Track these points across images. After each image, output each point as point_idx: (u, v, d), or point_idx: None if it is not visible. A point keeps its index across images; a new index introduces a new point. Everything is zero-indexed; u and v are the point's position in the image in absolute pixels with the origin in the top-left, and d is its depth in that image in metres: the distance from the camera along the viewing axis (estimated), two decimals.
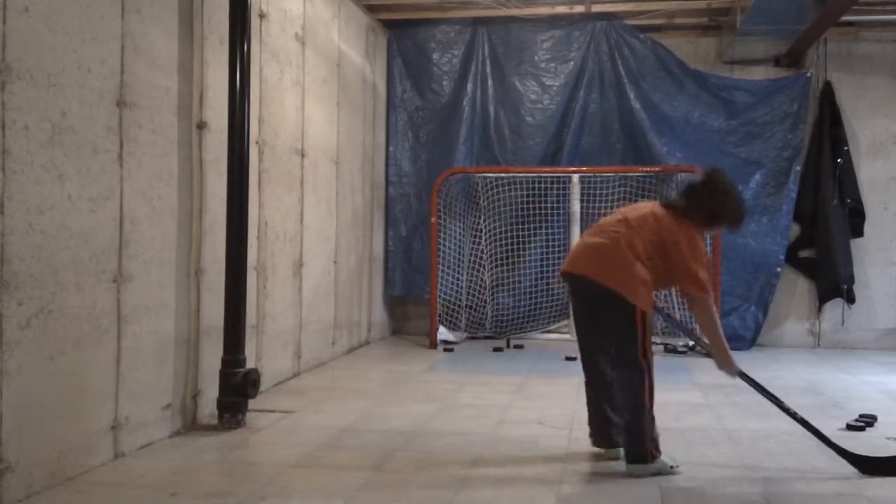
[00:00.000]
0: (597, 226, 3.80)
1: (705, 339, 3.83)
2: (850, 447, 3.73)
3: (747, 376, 3.76)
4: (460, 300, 8.10)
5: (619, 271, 3.54)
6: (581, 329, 3.83)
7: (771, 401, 3.80)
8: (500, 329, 8.13)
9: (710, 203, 3.65)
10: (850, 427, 4.44)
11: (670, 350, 7.29)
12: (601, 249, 3.61)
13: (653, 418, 3.54)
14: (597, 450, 3.82)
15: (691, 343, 6.88)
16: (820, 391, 5.58)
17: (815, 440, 3.76)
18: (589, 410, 3.84)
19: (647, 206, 3.77)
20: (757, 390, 3.79)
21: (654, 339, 3.91)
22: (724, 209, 3.70)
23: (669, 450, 3.76)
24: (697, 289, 3.59)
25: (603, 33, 7.98)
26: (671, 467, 3.56)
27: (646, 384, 3.52)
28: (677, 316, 6.86)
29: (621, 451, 3.68)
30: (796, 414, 3.78)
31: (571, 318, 3.88)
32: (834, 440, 3.73)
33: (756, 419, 4.57)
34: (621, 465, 3.63)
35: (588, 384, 3.83)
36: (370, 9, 7.57)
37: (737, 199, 3.78)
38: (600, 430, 3.80)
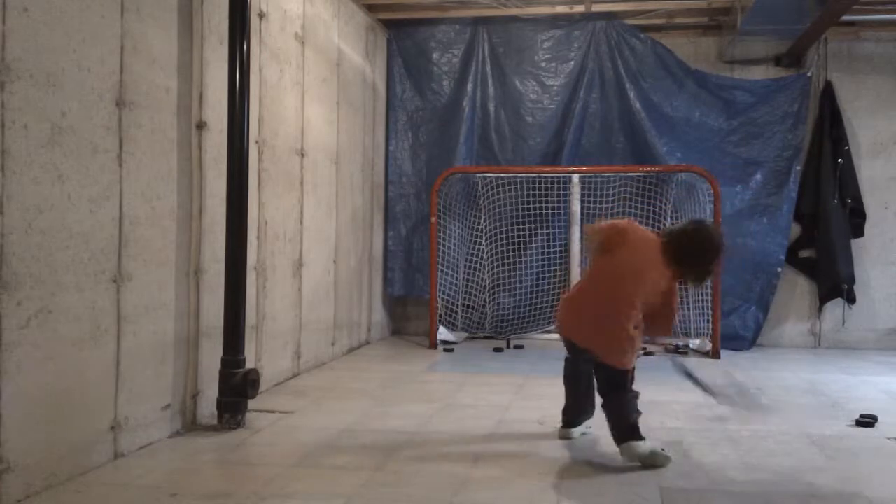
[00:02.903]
0: (605, 287, 3.81)
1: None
2: (851, 445, 3.73)
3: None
4: (460, 300, 8.09)
5: (618, 350, 3.73)
6: (572, 353, 4.14)
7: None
8: (500, 329, 8.12)
9: (688, 257, 3.74)
10: (859, 423, 4.47)
11: (670, 350, 7.29)
12: (605, 329, 3.76)
13: (635, 396, 3.78)
14: (564, 432, 4.14)
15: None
16: (820, 391, 5.57)
17: (815, 440, 3.76)
18: (573, 399, 4.17)
19: (653, 252, 3.76)
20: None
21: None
22: (696, 266, 3.78)
23: (669, 449, 3.76)
24: (667, 332, 4.01)
25: (603, 33, 7.97)
26: (661, 449, 3.71)
27: (628, 392, 3.78)
28: None
29: (577, 430, 4.13)
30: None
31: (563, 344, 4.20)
32: (838, 438, 3.71)
33: (756, 419, 4.57)
34: (623, 466, 3.63)
35: (578, 381, 4.14)
36: (370, 8, 7.57)
37: (707, 261, 3.78)
38: (577, 415, 4.15)
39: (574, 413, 4.18)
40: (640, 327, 3.76)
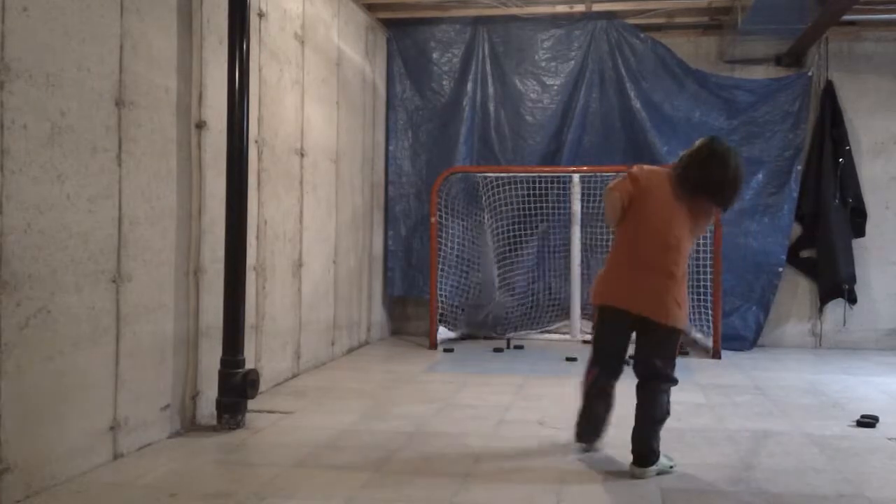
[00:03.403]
0: (644, 242, 3.68)
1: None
2: (851, 445, 3.73)
3: None
4: (460, 300, 8.09)
5: (673, 306, 3.60)
6: (615, 345, 3.83)
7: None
8: (500, 329, 8.12)
9: (690, 170, 3.60)
10: (859, 424, 4.48)
11: None
12: (657, 284, 3.62)
13: (671, 385, 3.70)
14: (582, 446, 3.94)
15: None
16: (821, 391, 5.56)
17: (816, 440, 3.75)
18: (596, 410, 3.85)
19: (669, 186, 3.66)
20: None
21: None
22: (693, 175, 3.60)
23: (669, 450, 3.76)
24: None
25: (603, 33, 7.96)
26: (670, 467, 3.61)
27: (670, 393, 3.68)
28: None
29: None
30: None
31: (598, 333, 3.90)
32: (838, 438, 3.71)
33: (756, 419, 4.56)
34: (623, 466, 3.63)
35: (607, 391, 3.86)
36: (370, 8, 7.56)
37: (709, 168, 3.58)
38: (598, 429, 3.90)
39: (586, 424, 3.93)
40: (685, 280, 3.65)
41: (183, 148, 4.18)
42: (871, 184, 7.75)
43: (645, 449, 3.56)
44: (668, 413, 3.66)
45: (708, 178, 3.57)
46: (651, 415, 3.62)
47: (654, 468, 3.55)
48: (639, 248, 3.68)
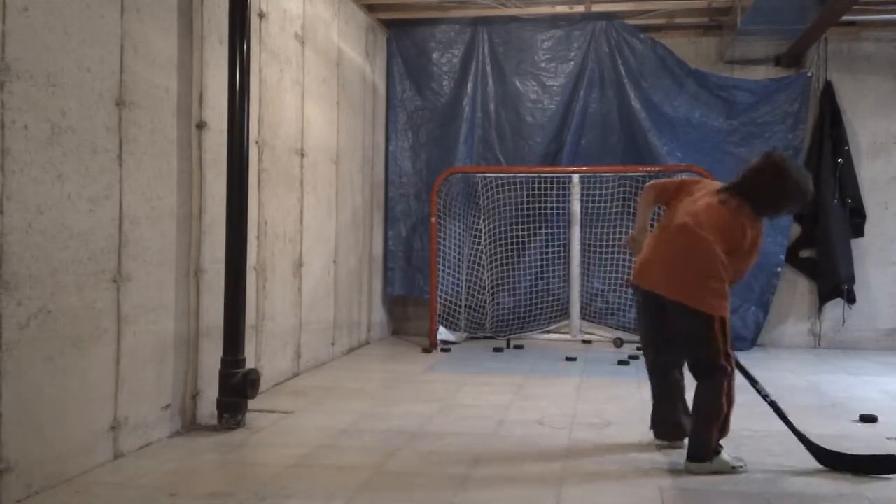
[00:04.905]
0: (671, 228, 3.71)
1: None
2: (851, 445, 3.73)
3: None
4: (460, 300, 8.09)
5: (704, 290, 3.55)
6: (652, 338, 3.90)
7: (749, 381, 3.83)
8: (500, 329, 8.12)
9: (773, 192, 3.57)
10: (862, 418, 4.56)
11: None
12: (687, 266, 3.59)
13: (726, 424, 3.60)
14: (659, 442, 3.95)
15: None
16: (821, 391, 5.57)
17: (816, 440, 3.76)
18: (660, 407, 3.94)
19: (720, 198, 3.65)
20: (737, 368, 3.80)
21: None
22: (781, 195, 3.59)
23: (669, 450, 3.76)
24: (739, 280, 3.72)
25: (603, 33, 7.97)
26: (733, 467, 3.56)
27: (724, 387, 3.57)
28: None
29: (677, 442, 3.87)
30: (769, 396, 3.82)
31: (638, 324, 3.99)
32: (838, 437, 3.71)
33: (756, 419, 4.56)
34: (622, 466, 3.63)
35: (658, 387, 3.93)
36: (370, 8, 7.57)
37: (795, 182, 3.58)
38: (673, 422, 3.89)
39: (658, 419, 3.97)
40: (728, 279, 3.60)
41: (183, 148, 4.18)
42: (871, 184, 7.76)
43: (692, 446, 3.58)
44: (716, 410, 3.54)
45: (766, 191, 3.57)
46: (695, 412, 3.63)
47: (705, 465, 3.52)
48: (662, 231, 3.74)
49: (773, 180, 3.57)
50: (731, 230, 3.58)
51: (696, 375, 3.68)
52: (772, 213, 3.67)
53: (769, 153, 3.67)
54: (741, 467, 3.57)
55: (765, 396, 3.79)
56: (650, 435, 4.02)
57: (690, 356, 3.71)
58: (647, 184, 3.98)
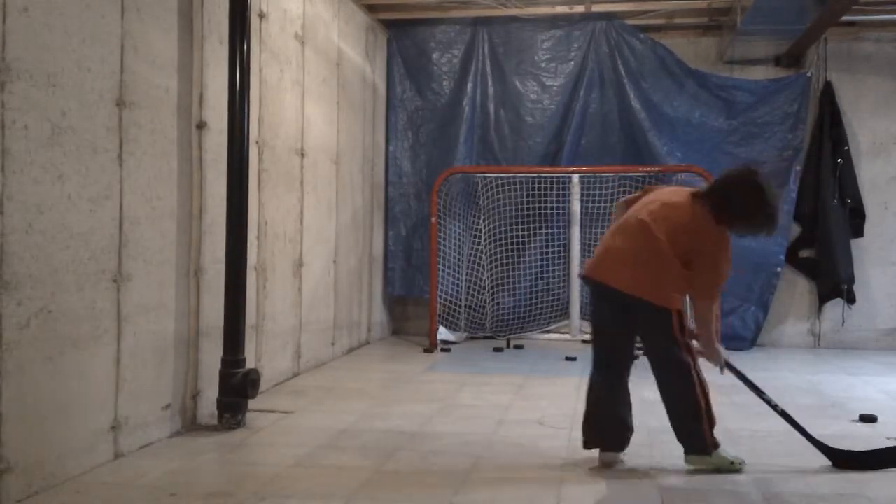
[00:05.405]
0: (626, 222, 3.69)
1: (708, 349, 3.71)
2: (851, 444, 3.73)
3: (733, 367, 3.75)
4: (460, 300, 8.09)
5: (648, 280, 3.50)
6: (604, 333, 3.75)
7: (755, 392, 3.79)
8: (500, 329, 8.12)
9: (746, 205, 3.51)
10: (862, 418, 4.56)
11: None
12: (639, 259, 3.53)
13: (710, 414, 3.52)
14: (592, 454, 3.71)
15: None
16: (820, 391, 5.57)
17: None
18: (598, 413, 3.67)
19: (683, 199, 3.62)
20: (743, 382, 3.77)
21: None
22: (759, 215, 3.53)
23: (669, 449, 3.76)
24: (711, 297, 3.63)
25: (603, 33, 7.97)
26: (732, 463, 3.55)
27: (694, 380, 3.49)
28: None
29: (620, 455, 3.66)
30: (777, 406, 3.79)
31: (590, 320, 3.87)
32: (838, 437, 3.72)
33: (756, 419, 4.57)
34: (621, 465, 3.63)
35: (603, 388, 3.68)
36: (370, 8, 7.57)
37: (770, 202, 3.54)
38: (609, 432, 3.67)
39: (590, 427, 3.71)
40: (685, 286, 3.55)
41: (184, 148, 4.18)
42: (870, 184, 7.76)
43: (687, 440, 3.55)
44: (694, 403, 3.47)
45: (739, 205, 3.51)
46: (673, 411, 3.58)
47: (706, 459, 3.51)
48: (627, 228, 3.68)
49: (750, 193, 3.51)
50: (684, 231, 3.52)
51: (661, 375, 3.59)
52: (741, 225, 3.56)
53: (748, 166, 3.67)
54: (740, 463, 3.57)
55: (774, 406, 3.77)
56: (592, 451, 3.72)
57: (654, 354, 3.62)
58: (617, 202, 3.99)
